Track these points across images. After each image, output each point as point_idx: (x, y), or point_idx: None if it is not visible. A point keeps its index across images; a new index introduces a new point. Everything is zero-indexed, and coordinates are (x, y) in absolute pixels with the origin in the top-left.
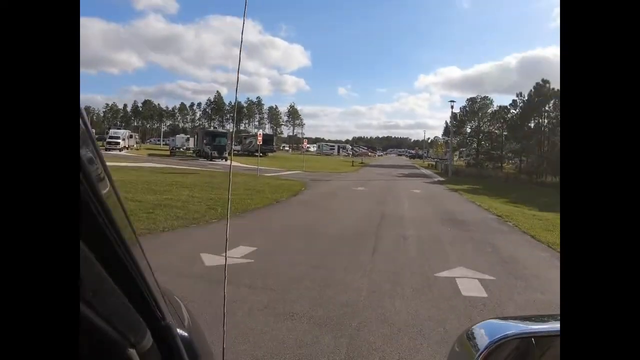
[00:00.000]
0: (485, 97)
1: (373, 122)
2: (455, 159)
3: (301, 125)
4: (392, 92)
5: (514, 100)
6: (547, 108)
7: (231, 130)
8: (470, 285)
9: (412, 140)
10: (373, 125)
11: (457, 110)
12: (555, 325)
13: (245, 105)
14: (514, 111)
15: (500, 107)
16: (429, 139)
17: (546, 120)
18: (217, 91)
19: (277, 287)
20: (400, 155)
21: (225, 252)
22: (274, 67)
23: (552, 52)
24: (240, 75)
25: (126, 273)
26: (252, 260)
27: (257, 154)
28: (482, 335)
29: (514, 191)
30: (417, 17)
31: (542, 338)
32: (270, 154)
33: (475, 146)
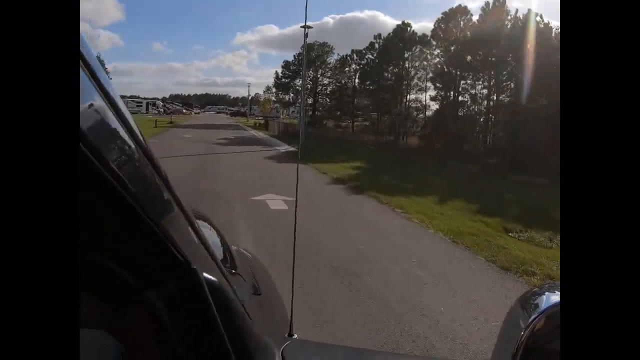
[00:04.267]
0: (325, 44)
1: (191, 80)
2: (283, 117)
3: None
4: (208, 50)
5: (371, 43)
6: (407, 56)
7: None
8: None
9: (231, 98)
10: (191, 83)
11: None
12: None
13: None
14: (370, 56)
15: (353, 51)
16: (250, 96)
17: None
18: None
19: None
20: (220, 112)
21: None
22: (84, 20)
23: (367, 14)
24: None
25: (154, 207)
26: None
27: None
28: (539, 300)
29: (444, 181)
30: None
31: None
32: None
33: (312, 102)
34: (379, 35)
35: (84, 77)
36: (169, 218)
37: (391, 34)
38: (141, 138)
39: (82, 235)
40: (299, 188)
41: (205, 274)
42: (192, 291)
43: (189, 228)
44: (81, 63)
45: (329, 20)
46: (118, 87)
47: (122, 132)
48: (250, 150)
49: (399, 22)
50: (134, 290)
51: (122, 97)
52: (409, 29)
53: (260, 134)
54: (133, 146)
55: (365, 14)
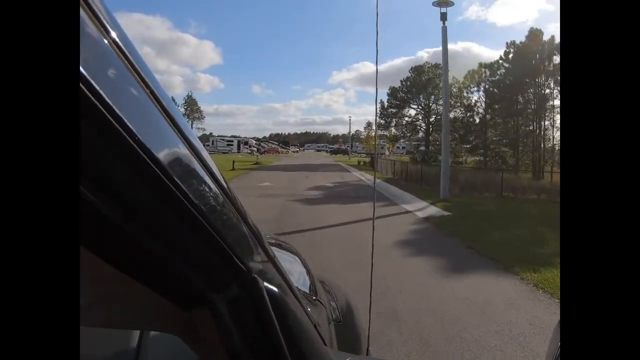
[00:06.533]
0: (436, 65)
1: (290, 119)
2: (389, 153)
3: (200, 119)
4: (306, 89)
5: (505, 53)
6: (545, 68)
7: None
8: None
9: (331, 135)
10: (290, 122)
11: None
12: None
13: None
14: (503, 70)
15: (481, 64)
16: (350, 133)
17: (554, 87)
18: None
19: None
20: (320, 150)
21: (372, 259)
22: (185, 65)
23: (461, 46)
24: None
25: (220, 219)
26: None
27: None
28: None
29: None
30: (326, 15)
31: None
32: None
33: (423, 135)
34: (512, 42)
35: (166, 125)
36: (239, 238)
37: (521, 43)
38: (219, 175)
39: (166, 247)
40: None
41: (266, 284)
42: (252, 296)
43: (259, 247)
44: (162, 112)
45: (423, 54)
46: (221, 127)
47: (203, 174)
48: (356, 213)
49: (497, 52)
50: (201, 292)
51: (212, 135)
52: (541, 35)
53: (368, 177)
54: (211, 183)
55: (460, 45)
